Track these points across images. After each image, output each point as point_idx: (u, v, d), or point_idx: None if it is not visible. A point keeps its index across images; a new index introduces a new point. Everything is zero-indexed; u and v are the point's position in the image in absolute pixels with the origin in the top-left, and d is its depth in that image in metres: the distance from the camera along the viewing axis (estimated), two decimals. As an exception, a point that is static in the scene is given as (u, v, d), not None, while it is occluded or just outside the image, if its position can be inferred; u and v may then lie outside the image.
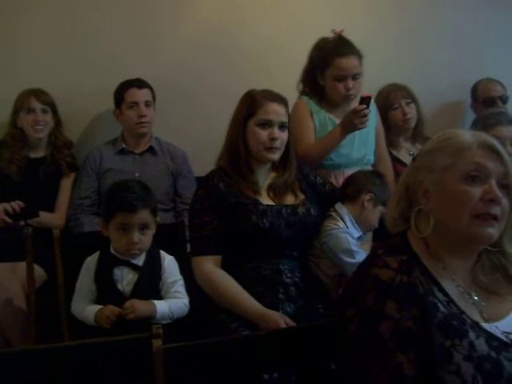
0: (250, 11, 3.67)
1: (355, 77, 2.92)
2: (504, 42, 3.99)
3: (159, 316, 2.25)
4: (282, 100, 2.42)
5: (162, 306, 2.26)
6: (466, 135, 1.51)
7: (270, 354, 1.74)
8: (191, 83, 3.61)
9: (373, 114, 3.01)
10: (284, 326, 2.08)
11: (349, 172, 2.83)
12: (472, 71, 3.88)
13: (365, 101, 2.76)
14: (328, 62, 2.91)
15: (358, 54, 2.93)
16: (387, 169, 3.14)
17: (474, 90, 3.84)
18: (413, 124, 3.41)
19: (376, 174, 2.62)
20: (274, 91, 2.49)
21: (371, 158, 3.12)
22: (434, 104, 3.87)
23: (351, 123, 2.76)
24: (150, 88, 3.30)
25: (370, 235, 2.54)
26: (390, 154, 3.33)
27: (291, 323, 2.11)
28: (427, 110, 3.62)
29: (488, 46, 3.96)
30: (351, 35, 3.55)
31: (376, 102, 3.41)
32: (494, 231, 1.44)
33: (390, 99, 3.40)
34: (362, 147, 3.05)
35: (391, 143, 3.40)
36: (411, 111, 3.40)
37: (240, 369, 1.71)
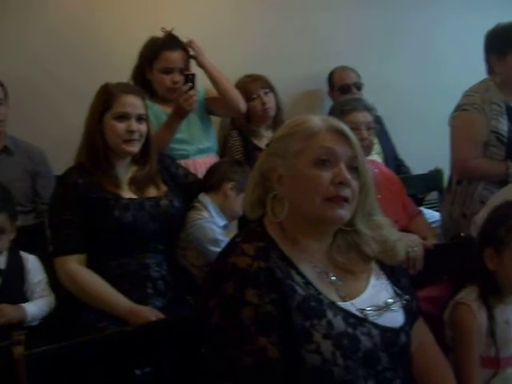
0: (108, 10, 3.60)
1: (182, 70, 2.98)
2: (356, 31, 4.15)
3: (30, 319, 2.21)
4: (138, 92, 2.40)
5: (31, 309, 2.23)
6: (316, 120, 1.55)
7: (141, 349, 1.74)
8: (49, 80, 3.49)
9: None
10: (154, 319, 2.06)
11: (198, 160, 2.90)
12: (327, 60, 4.01)
13: (188, 78, 2.83)
14: (155, 56, 2.98)
15: (184, 49, 3.02)
16: None
17: (330, 77, 3.98)
18: (272, 113, 3.46)
19: (237, 162, 2.65)
20: (130, 84, 2.45)
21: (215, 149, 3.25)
22: (293, 92, 3.97)
23: (180, 107, 2.82)
24: (1, 84, 3.14)
25: (235, 223, 2.57)
26: (251, 143, 3.39)
27: (161, 317, 2.10)
28: (286, 99, 3.71)
29: (341, 35, 4.10)
30: (213, 29, 3.60)
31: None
32: (345, 212, 1.49)
33: (248, 90, 3.43)
34: (204, 140, 3.15)
35: (252, 133, 3.45)
36: (270, 100, 3.45)
37: (110, 367, 1.68)
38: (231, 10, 3.84)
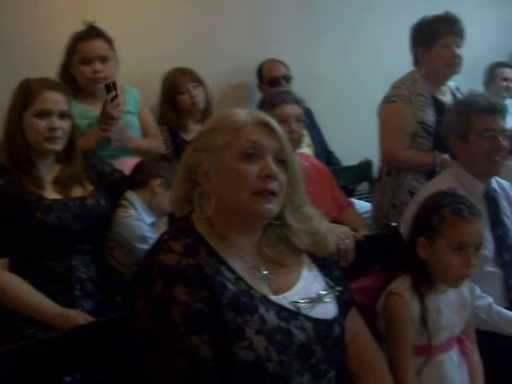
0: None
1: (103, 59, 2.91)
2: (285, 24, 4.15)
3: None
4: (60, 88, 2.32)
5: None
6: (241, 114, 1.53)
7: (71, 355, 1.67)
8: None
9: (131, 100, 3.06)
10: (83, 322, 2.01)
11: (127, 160, 2.84)
12: (256, 52, 3.99)
13: (109, 87, 2.77)
14: (74, 48, 2.90)
15: (106, 38, 2.93)
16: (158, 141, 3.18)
17: (259, 70, 3.96)
18: (201, 107, 3.41)
19: (164, 157, 2.61)
20: (51, 79, 2.36)
21: None
22: (222, 86, 3.93)
23: (108, 115, 2.75)
24: None
25: (164, 220, 2.52)
26: (180, 138, 3.34)
27: (90, 320, 2.04)
28: (216, 93, 3.68)
29: (270, 28, 4.09)
30: (142, 22, 3.56)
31: (162, 87, 3.42)
32: (272, 206, 1.48)
33: (177, 84, 3.39)
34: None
35: (181, 127, 3.40)
36: (199, 94, 3.40)
37: (38, 375, 1.62)
38: (161, 3, 3.77)
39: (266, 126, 1.51)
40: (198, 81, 3.44)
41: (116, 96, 2.74)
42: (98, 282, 2.26)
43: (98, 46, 2.90)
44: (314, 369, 1.44)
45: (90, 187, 2.35)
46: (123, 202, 2.41)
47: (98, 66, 2.89)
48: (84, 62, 2.89)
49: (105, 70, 2.89)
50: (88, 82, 2.92)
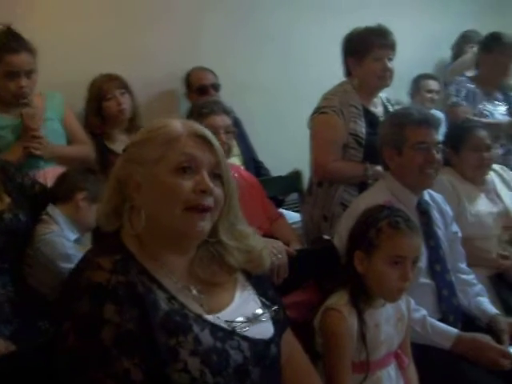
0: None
1: (29, 73, 2.80)
2: (213, 31, 4.10)
3: None
4: None
5: None
6: (176, 125, 1.46)
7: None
8: None
9: (53, 106, 2.96)
10: (3, 352, 1.87)
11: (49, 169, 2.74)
12: (185, 60, 3.93)
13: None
14: None
15: (31, 50, 2.81)
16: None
17: (188, 78, 3.90)
18: (128, 115, 3.32)
19: (89, 170, 2.52)
20: None
21: None
22: (149, 94, 3.84)
23: (27, 127, 2.70)
24: None
25: (88, 237, 2.41)
26: (105, 146, 3.25)
27: (11, 348, 1.92)
28: (142, 100, 3.58)
29: (199, 35, 4.04)
30: (68, 26, 3.45)
31: (89, 92, 3.34)
32: (204, 224, 1.41)
33: (103, 90, 3.29)
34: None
35: (106, 136, 3.31)
36: (126, 101, 3.31)
37: None
38: (88, 7, 3.66)
39: (203, 139, 1.44)
40: (125, 87, 3.35)
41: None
42: (18, 304, 2.15)
43: (26, 59, 2.78)
44: None
45: (8, 200, 2.23)
46: (44, 217, 2.30)
47: (24, 81, 2.77)
48: (9, 76, 2.75)
49: (29, 85, 2.78)
50: (12, 97, 2.80)
